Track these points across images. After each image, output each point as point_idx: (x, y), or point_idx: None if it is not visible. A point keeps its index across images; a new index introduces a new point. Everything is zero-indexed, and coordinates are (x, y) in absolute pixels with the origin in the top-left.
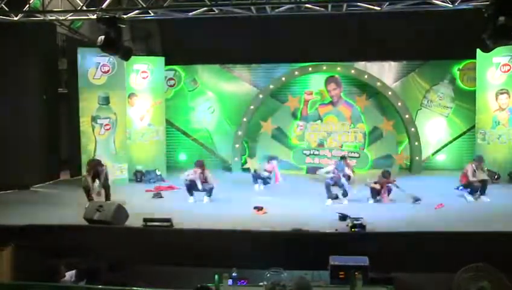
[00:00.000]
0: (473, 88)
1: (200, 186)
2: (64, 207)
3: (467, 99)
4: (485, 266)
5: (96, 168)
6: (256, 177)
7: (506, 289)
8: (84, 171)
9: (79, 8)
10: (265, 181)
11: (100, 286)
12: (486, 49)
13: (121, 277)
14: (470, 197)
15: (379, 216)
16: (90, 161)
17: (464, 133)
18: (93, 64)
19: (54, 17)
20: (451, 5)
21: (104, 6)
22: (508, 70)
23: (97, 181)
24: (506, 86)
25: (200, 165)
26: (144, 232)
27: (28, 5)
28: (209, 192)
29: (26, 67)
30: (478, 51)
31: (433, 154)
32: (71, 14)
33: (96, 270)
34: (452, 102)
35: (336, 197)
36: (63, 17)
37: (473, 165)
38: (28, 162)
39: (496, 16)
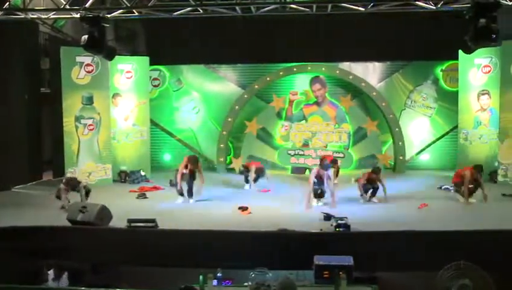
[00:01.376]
0: (456, 89)
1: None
2: (47, 208)
3: (449, 100)
4: (466, 264)
5: (75, 189)
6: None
7: (488, 287)
8: (67, 171)
9: (62, 6)
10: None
11: (83, 288)
12: (468, 51)
13: (104, 278)
14: (461, 198)
15: (363, 216)
16: (70, 179)
17: (447, 133)
18: (77, 64)
19: (35, 16)
20: (433, 7)
21: (87, 5)
22: (489, 71)
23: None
24: (487, 87)
25: (193, 161)
26: (128, 233)
27: (8, 3)
28: (190, 192)
29: (8, 67)
30: (460, 52)
31: (416, 154)
32: (54, 12)
33: (79, 271)
34: (435, 102)
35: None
36: (45, 16)
37: (473, 173)
38: (10, 163)
39: (476, 18)
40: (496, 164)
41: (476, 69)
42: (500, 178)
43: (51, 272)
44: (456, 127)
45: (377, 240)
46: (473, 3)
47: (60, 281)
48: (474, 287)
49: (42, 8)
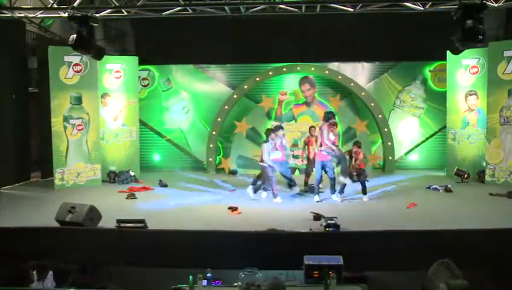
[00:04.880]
0: (444, 89)
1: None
2: (34, 209)
3: (438, 100)
4: (451, 263)
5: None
6: None
7: (474, 286)
8: (56, 172)
9: (49, 5)
10: None
11: (72, 289)
12: (456, 51)
13: (93, 279)
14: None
15: (352, 216)
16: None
17: (435, 133)
18: (65, 64)
19: (22, 14)
20: (421, 8)
21: (75, 4)
22: (476, 72)
23: None
24: (475, 88)
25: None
26: (117, 234)
27: None
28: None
29: None
30: (448, 52)
31: (405, 154)
32: (41, 11)
33: (65, 272)
34: (424, 102)
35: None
36: (33, 15)
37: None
38: None
39: (463, 19)
40: (484, 163)
41: (464, 69)
42: (487, 178)
43: (35, 273)
44: (444, 127)
45: (367, 240)
46: (460, 4)
47: (44, 282)
48: (460, 287)
49: (29, 7)
